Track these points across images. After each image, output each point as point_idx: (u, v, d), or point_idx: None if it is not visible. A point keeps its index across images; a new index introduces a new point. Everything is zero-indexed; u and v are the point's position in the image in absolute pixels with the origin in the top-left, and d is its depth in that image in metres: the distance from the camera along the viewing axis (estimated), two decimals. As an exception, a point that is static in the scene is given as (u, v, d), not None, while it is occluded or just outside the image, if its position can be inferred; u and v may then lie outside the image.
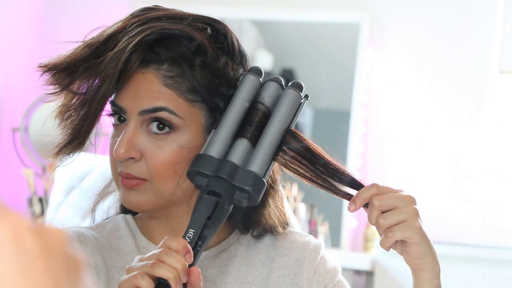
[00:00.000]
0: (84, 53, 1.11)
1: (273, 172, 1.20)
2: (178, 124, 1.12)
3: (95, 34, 1.13)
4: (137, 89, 1.13)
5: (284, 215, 1.24)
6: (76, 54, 1.11)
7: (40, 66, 1.11)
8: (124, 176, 1.14)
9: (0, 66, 3.21)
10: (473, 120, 3.10)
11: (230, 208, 1.09)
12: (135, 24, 1.12)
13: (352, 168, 3.14)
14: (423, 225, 1.11)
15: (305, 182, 1.15)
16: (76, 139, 1.13)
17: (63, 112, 1.12)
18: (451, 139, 3.11)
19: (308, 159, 1.13)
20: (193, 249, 1.03)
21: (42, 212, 3.10)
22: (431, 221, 2.40)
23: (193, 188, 1.12)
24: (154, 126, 1.13)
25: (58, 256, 0.49)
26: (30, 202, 3.13)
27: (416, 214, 1.10)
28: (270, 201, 1.20)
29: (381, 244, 1.12)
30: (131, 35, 1.10)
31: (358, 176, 1.22)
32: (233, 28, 1.21)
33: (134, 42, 1.10)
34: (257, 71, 1.17)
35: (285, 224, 1.24)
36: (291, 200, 3.03)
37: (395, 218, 1.09)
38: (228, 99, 1.14)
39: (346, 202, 1.14)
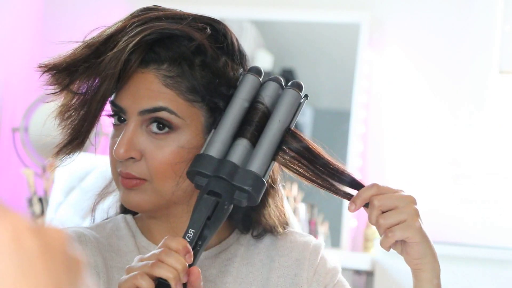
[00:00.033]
0: (84, 53, 1.11)
1: (273, 172, 1.20)
2: (178, 124, 1.12)
3: (95, 34, 1.13)
4: (137, 89, 1.13)
5: (284, 215, 1.24)
6: (76, 54, 1.11)
7: (40, 66, 1.11)
8: (124, 176, 1.14)
9: (0, 66, 3.21)
10: (473, 120, 3.10)
11: (230, 208, 1.09)
12: (135, 24, 1.12)
13: (352, 168, 3.14)
14: (423, 225, 1.11)
15: (305, 182, 1.15)
16: (76, 139, 1.13)
17: (63, 112, 1.12)
18: (451, 139, 3.11)
19: (308, 159, 1.13)
20: (193, 249, 1.03)
21: (42, 212, 3.10)
22: (431, 221, 2.40)
23: (193, 188, 1.12)
24: (154, 126, 1.13)
25: (58, 256, 0.49)
26: (30, 202, 3.13)
27: (416, 214, 1.10)
28: (270, 201, 1.20)
29: (381, 244, 1.12)
30: (131, 35, 1.10)
31: (358, 176, 1.21)
32: (233, 28, 1.21)
33: (134, 42, 1.10)
34: (257, 71, 1.17)
35: (285, 224, 1.24)
36: (291, 200, 3.03)
37: (395, 218, 1.09)
38: (228, 99, 1.14)
39: (346, 202, 1.14)
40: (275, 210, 1.22)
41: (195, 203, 1.08)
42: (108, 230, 1.22)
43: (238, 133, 1.13)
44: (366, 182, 1.14)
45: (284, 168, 1.15)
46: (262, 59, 3.42)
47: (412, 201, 1.11)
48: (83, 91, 1.12)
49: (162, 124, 1.12)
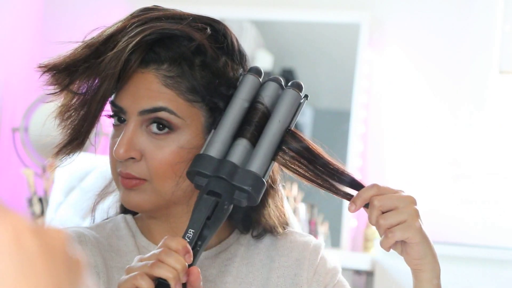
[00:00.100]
0: (84, 53, 1.11)
1: (273, 172, 1.20)
2: (178, 124, 1.12)
3: (95, 34, 1.13)
4: (137, 89, 1.13)
5: (284, 215, 1.24)
6: (76, 54, 1.11)
7: (40, 66, 1.11)
8: (124, 176, 1.14)
9: (0, 66, 3.21)
10: (473, 120, 3.10)
11: (230, 208, 1.09)
12: (135, 24, 1.12)
13: (352, 168, 3.14)
14: (423, 226, 1.11)
15: (305, 182, 1.15)
16: (76, 139, 1.13)
17: (63, 112, 1.12)
18: (451, 139, 3.11)
19: (308, 159, 1.13)
20: (192, 249, 1.03)
21: (42, 212, 3.10)
22: (431, 221, 2.40)
23: (193, 188, 1.12)
24: (154, 126, 1.13)
25: (58, 256, 0.49)
26: (30, 202, 3.13)
27: (416, 214, 1.10)
28: (270, 201, 1.20)
29: (381, 244, 1.12)
30: (131, 35, 1.10)
31: (358, 176, 1.21)
32: (233, 28, 1.21)
33: (134, 42, 1.10)
34: (256, 71, 1.17)
35: (285, 224, 1.24)
36: (291, 200, 3.03)
37: (395, 219, 1.09)
38: (227, 99, 1.14)
39: (346, 202, 1.14)
40: (275, 210, 1.22)
41: (195, 203, 1.08)
42: (108, 230, 1.22)
43: (238, 133, 1.13)
44: (366, 182, 1.14)
45: (284, 168, 1.15)
46: (262, 59, 3.42)
47: (412, 201, 1.11)
48: (83, 91, 1.12)
49: (162, 124, 1.12)
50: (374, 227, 1.23)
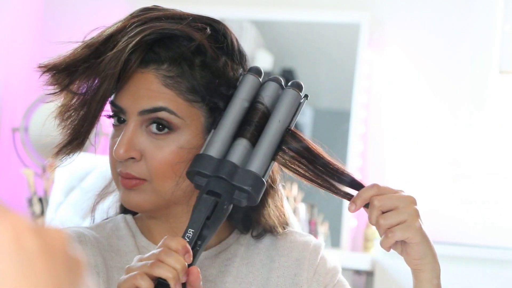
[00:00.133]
0: (83, 53, 1.11)
1: (272, 172, 1.20)
2: (178, 124, 1.12)
3: (95, 34, 1.13)
4: (137, 89, 1.12)
5: (284, 215, 1.24)
6: (75, 54, 1.11)
7: (40, 67, 1.11)
8: (124, 176, 1.14)
9: (0, 66, 3.21)
10: (473, 120, 3.10)
11: (230, 208, 1.09)
12: (135, 24, 1.12)
13: (352, 168, 3.14)
14: (423, 226, 1.11)
15: (305, 182, 1.15)
16: (76, 139, 1.13)
17: (63, 112, 1.12)
18: (451, 139, 3.11)
19: (308, 159, 1.13)
20: (192, 249, 1.03)
21: (42, 212, 3.10)
22: (431, 221, 2.40)
23: (192, 188, 1.12)
24: (153, 127, 1.13)
25: (58, 256, 0.49)
26: (30, 202, 3.13)
27: (416, 214, 1.10)
28: (270, 201, 1.20)
29: (381, 244, 1.12)
30: (130, 35, 1.10)
31: (358, 176, 1.21)
32: (233, 28, 1.21)
33: (133, 42, 1.10)
34: (256, 71, 1.17)
35: (284, 224, 1.24)
36: (291, 200, 3.03)
37: (395, 219, 1.09)
38: (227, 99, 1.14)
39: (346, 202, 1.14)
40: (275, 210, 1.22)
41: (194, 203, 1.08)
42: (108, 230, 1.22)
43: (238, 133, 1.13)
44: (366, 182, 1.14)
45: (284, 168, 1.15)
46: (262, 59, 3.42)
47: (412, 201, 1.11)
48: (83, 91, 1.12)
49: (162, 124, 1.12)
50: (374, 227, 1.23)
